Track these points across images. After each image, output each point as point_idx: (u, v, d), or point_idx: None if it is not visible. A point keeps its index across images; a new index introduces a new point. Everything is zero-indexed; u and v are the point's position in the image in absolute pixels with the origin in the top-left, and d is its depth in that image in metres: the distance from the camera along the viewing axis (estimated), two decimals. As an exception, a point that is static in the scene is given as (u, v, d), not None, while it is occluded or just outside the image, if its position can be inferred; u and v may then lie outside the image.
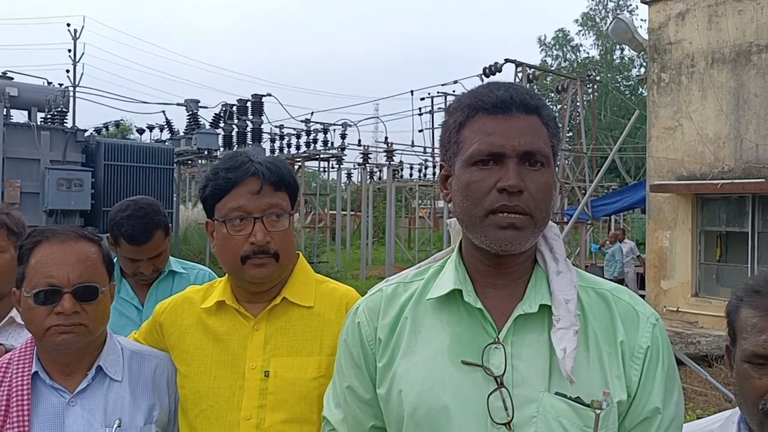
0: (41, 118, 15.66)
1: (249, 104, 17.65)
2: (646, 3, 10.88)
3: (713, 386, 5.32)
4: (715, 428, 1.32)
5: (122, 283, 2.44)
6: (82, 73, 21.55)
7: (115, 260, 2.44)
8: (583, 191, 17.08)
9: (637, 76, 33.93)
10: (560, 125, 21.70)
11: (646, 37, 11.31)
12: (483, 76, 15.58)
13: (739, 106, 9.70)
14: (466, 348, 1.18)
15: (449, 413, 1.15)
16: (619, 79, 38.57)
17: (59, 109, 15.39)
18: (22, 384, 1.44)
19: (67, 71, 20.64)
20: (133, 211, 2.30)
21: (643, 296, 12.24)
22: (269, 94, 17.65)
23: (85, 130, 15.88)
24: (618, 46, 36.74)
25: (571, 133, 18.52)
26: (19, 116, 15.88)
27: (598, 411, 1.11)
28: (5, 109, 14.17)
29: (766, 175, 9.34)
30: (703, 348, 8.00)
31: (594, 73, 30.32)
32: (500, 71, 15.37)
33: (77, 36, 22.37)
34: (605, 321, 1.20)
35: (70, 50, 22.02)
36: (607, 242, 15.02)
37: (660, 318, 1.24)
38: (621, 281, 13.62)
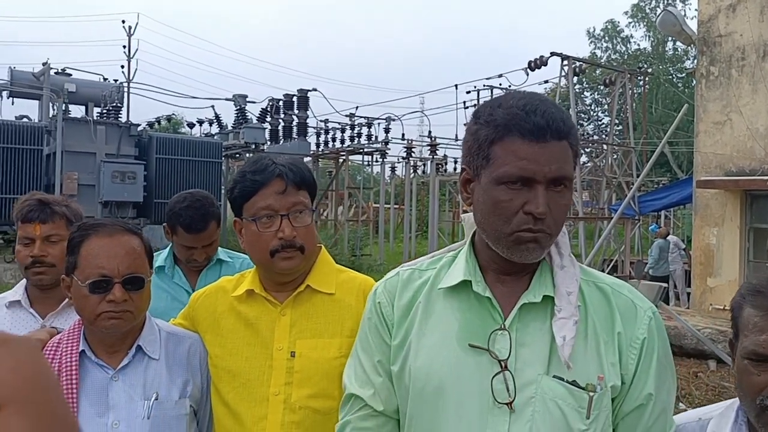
0: (97, 112, 16.24)
1: (295, 99, 17.93)
2: (695, -6, 10.61)
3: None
4: (716, 414, 1.38)
5: (175, 269, 2.60)
6: (136, 69, 22.13)
7: (168, 248, 2.63)
8: (631, 186, 16.74)
9: (685, 69, 32.91)
10: (609, 118, 21.23)
11: (696, 28, 11.03)
12: (528, 70, 15.44)
13: (791, 100, 9.40)
14: (473, 333, 1.25)
15: (455, 392, 1.23)
16: (672, 71, 37.46)
17: (114, 104, 15.93)
18: (71, 361, 1.58)
19: (122, 67, 21.27)
20: (191, 202, 2.48)
21: (689, 294, 11.98)
22: (314, 89, 17.88)
23: (138, 125, 16.37)
24: (670, 38, 35.73)
25: (620, 127, 18.13)
26: (76, 111, 16.52)
27: (591, 393, 1.19)
28: (64, 105, 14.77)
29: (818, 172, 9.04)
30: (749, 347, 7.81)
31: (645, 65, 29.57)
32: (546, 65, 15.14)
33: (131, 32, 23.03)
34: (604, 313, 1.27)
35: (124, 46, 22.69)
36: (657, 238, 14.69)
37: (657, 312, 1.30)
38: (663, 278, 13.24)
